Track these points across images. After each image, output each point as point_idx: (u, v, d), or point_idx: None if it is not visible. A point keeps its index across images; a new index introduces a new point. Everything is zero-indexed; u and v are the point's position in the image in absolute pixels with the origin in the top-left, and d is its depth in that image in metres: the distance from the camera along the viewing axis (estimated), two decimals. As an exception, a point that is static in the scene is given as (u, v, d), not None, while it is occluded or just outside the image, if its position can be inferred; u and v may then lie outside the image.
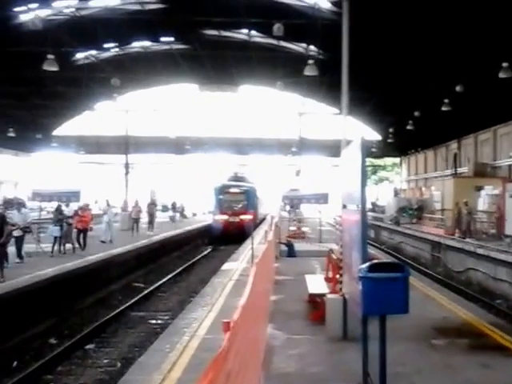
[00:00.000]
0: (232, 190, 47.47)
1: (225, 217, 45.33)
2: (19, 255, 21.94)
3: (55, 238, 24.62)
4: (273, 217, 34.93)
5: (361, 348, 8.59)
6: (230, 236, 41.45)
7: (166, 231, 38.25)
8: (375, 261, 8.54)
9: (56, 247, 24.70)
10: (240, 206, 46.12)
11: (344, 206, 10.75)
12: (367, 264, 8.09)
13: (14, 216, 22.13)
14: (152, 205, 40.65)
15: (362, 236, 8.73)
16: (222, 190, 47.38)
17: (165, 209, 55.55)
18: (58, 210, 26.03)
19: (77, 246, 26.14)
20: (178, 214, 54.38)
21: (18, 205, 23.88)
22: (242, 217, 43.99)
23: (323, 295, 12.86)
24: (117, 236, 32.14)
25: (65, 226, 24.95)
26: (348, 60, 15.80)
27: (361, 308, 8.14)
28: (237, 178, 51.22)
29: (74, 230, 26.42)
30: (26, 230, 22.19)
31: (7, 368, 13.42)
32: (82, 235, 26.53)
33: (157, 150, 73.64)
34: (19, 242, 21.95)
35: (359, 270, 8.15)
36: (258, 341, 8.82)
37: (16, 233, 21.32)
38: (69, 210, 27.40)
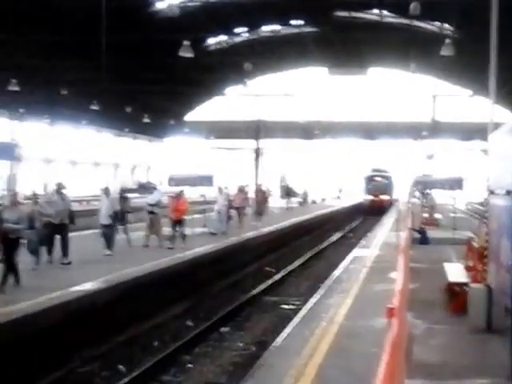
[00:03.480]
0: (376, 178, 63.88)
1: (371, 197, 61.22)
2: (109, 246, 19.44)
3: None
4: (408, 202, 34.21)
5: (508, 340, 8.27)
6: (374, 210, 54.28)
7: (278, 222, 33.79)
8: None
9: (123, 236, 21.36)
10: (381, 189, 62.02)
11: (491, 192, 10.38)
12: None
13: (102, 202, 19.79)
14: (259, 191, 36.04)
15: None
16: (370, 178, 63.93)
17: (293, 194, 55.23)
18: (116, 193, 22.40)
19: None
20: (302, 200, 54.72)
21: (106, 190, 19.99)
22: (382, 197, 60.58)
23: (464, 284, 12.44)
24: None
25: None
26: (496, 38, 14.85)
27: (510, 299, 7.81)
28: (378, 170, 65.80)
29: (167, 221, 22.90)
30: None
31: (150, 347, 13.80)
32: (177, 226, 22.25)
33: (285, 135, 74.23)
34: (109, 232, 19.48)
35: (511, 258, 7.84)
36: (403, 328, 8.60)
37: (106, 221, 19.25)
38: (153, 197, 23.17)
